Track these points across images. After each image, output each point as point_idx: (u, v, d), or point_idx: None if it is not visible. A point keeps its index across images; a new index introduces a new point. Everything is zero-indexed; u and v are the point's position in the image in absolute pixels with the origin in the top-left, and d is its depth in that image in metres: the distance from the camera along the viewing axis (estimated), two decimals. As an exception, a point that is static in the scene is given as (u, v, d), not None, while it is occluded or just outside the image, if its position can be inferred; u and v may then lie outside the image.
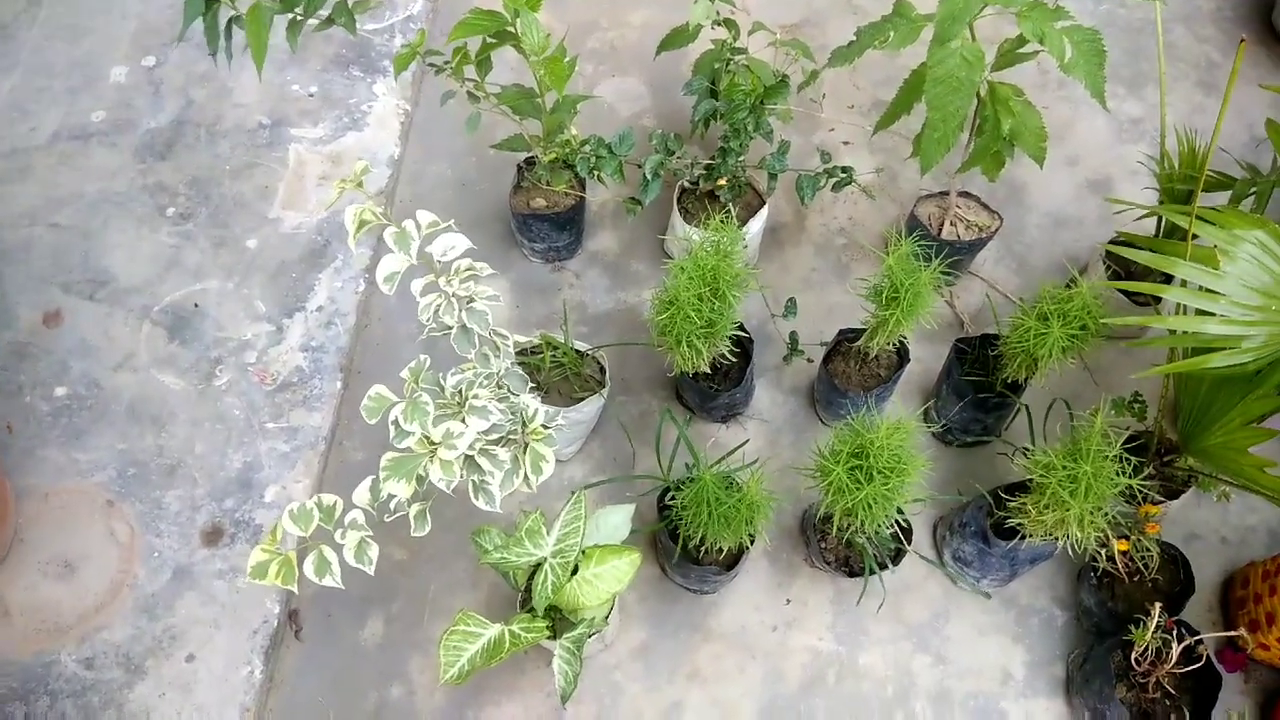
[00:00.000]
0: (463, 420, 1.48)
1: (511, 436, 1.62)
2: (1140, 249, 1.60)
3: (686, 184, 2.19)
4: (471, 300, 1.57)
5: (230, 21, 1.83)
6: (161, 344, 2.17)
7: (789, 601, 1.96)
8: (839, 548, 1.87)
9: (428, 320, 1.57)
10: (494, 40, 1.89)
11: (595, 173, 2.00)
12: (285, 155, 2.50)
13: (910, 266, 1.68)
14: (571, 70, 1.90)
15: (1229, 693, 1.87)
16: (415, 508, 1.57)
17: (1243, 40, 1.47)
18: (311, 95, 2.60)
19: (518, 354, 2.01)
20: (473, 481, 1.56)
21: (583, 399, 1.95)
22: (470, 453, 1.51)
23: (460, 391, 1.52)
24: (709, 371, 1.97)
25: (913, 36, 1.78)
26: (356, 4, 1.90)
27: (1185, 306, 1.53)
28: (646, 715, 1.84)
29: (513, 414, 1.59)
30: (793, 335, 2.13)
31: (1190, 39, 2.80)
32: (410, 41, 1.90)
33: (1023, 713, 1.84)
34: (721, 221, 1.77)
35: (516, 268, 2.36)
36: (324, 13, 1.86)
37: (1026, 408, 1.95)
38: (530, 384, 1.97)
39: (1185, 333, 1.54)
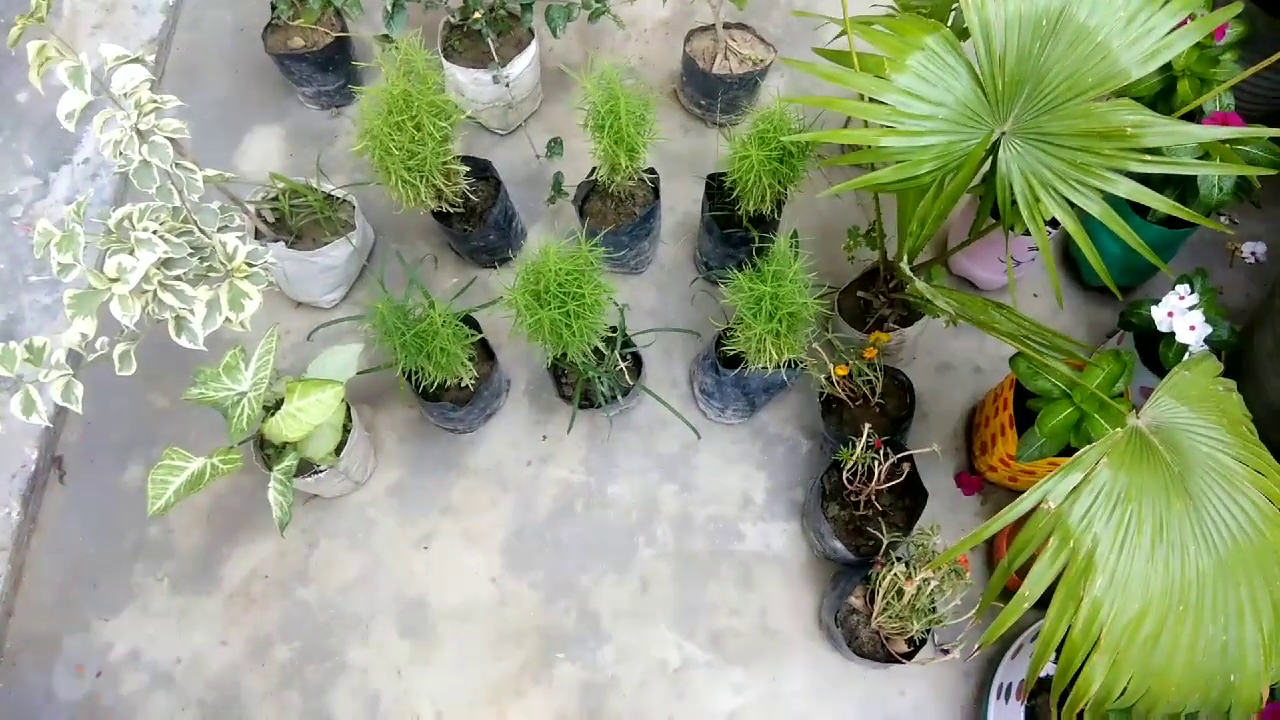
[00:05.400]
0: (132, 253, 1.48)
1: (213, 273, 1.62)
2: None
3: (452, 20, 2.12)
4: (153, 134, 1.55)
5: None
6: (-79, 201, 2.14)
7: (545, 438, 2.00)
8: (581, 382, 1.89)
9: (111, 156, 1.55)
10: None
11: (330, 5, 1.92)
12: (60, 5, 2.39)
13: (612, 94, 1.63)
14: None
15: (967, 515, 1.95)
16: (120, 348, 1.59)
17: None
18: (90, -60, 2.47)
19: (270, 199, 1.99)
20: (173, 319, 1.57)
21: (329, 243, 1.94)
22: (151, 288, 1.52)
23: (131, 223, 1.50)
24: (463, 213, 1.95)
25: None
26: None
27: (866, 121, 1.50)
28: (397, 546, 1.90)
29: (194, 250, 1.57)
30: (556, 176, 2.09)
31: None
32: None
33: (759, 533, 1.91)
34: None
35: (293, 115, 2.29)
36: None
37: (796, 237, 1.94)
38: (273, 226, 1.96)
39: (867, 148, 1.51)
